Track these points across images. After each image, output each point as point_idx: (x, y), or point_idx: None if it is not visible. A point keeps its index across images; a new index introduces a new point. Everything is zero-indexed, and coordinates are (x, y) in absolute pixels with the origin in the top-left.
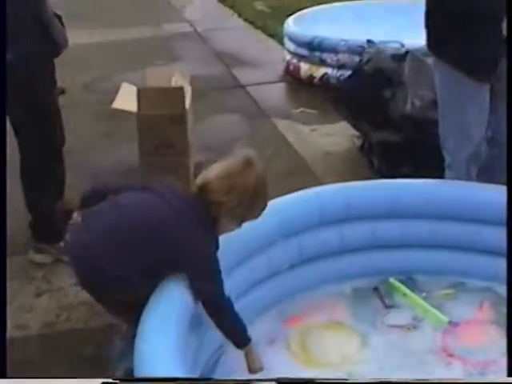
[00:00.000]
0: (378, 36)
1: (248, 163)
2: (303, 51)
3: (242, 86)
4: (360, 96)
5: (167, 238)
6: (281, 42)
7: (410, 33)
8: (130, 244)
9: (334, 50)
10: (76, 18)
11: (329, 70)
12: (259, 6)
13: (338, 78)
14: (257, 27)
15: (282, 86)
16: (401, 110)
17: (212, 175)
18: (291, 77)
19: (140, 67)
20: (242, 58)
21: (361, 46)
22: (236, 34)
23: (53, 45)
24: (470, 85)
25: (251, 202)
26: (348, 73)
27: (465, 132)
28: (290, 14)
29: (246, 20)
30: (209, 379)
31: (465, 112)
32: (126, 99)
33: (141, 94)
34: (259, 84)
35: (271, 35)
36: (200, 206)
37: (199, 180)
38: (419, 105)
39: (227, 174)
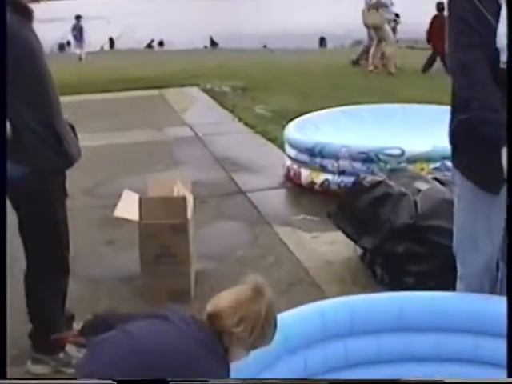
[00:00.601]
0: (378, 141)
1: (258, 292)
2: (304, 157)
3: (243, 193)
4: (360, 210)
5: (181, 368)
6: (281, 147)
7: (410, 138)
8: (143, 373)
9: (334, 156)
10: (80, 122)
11: (329, 177)
12: (259, 109)
13: (338, 185)
14: (257, 132)
15: (282, 192)
16: (403, 219)
17: (223, 304)
18: (292, 183)
19: (141, 172)
20: (242, 163)
21: (362, 153)
22: (236, 139)
23: (66, 157)
24: (482, 195)
25: (262, 331)
26: (349, 179)
27: (474, 243)
28: (291, 119)
29: (246, 124)
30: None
31: (475, 223)
32: (128, 207)
33: (143, 203)
34: (260, 190)
35: (271, 140)
36: (213, 335)
37: (209, 308)
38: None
39: (238, 303)
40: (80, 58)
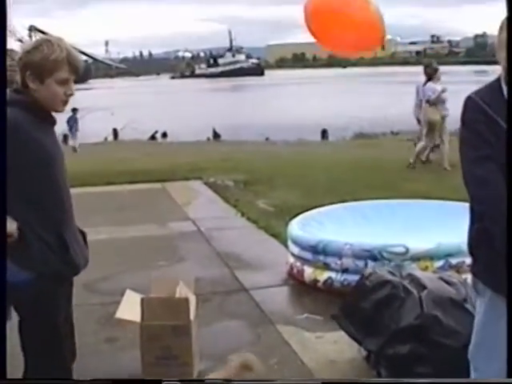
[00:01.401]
0: (382, 239)
1: (245, 367)
2: (307, 255)
3: (246, 290)
4: (364, 311)
5: None
6: (284, 243)
7: (414, 234)
8: None
9: (338, 253)
10: (81, 215)
11: (333, 274)
12: (262, 204)
13: (342, 283)
14: (260, 227)
15: (285, 289)
16: (408, 320)
17: None
18: (295, 280)
19: (144, 268)
20: (245, 259)
21: (365, 250)
22: (239, 234)
23: (71, 265)
24: (502, 301)
25: None
26: (352, 277)
27: (491, 350)
28: (294, 214)
29: (248, 219)
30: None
31: (494, 329)
32: (130, 308)
33: (145, 304)
34: (262, 288)
35: (274, 235)
36: None
37: None
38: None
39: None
40: (74, 150)
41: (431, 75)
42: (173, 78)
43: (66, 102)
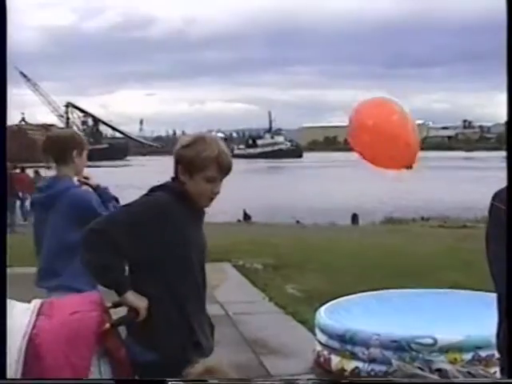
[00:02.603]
0: (410, 329)
1: (209, 372)
2: (335, 343)
3: (272, 377)
4: None
5: None
6: (312, 330)
7: (442, 325)
8: None
9: (365, 343)
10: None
11: (360, 364)
12: (291, 289)
13: (369, 373)
14: (288, 312)
15: (311, 377)
16: None
17: None
18: (321, 369)
19: None
20: (271, 345)
21: (393, 341)
22: (266, 319)
23: (196, 350)
24: None
25: None
26: (380, 367)
27: None
28: (322, 302)
29: (277, 304)
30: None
31: None
32: None
33: None
34: (289, 375)
35: (302, 322)
36: None
37: None
38: None
39: None
40: None
41: None
42: None
43: (212, 199)
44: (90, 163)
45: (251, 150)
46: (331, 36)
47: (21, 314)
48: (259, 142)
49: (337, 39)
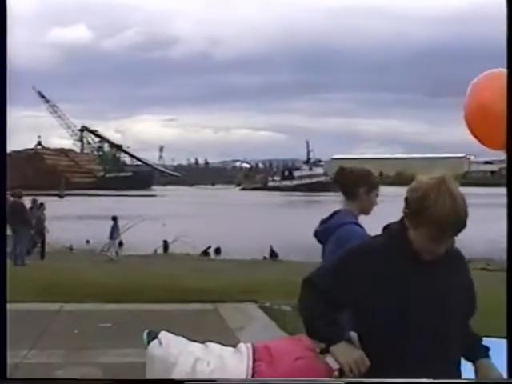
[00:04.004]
0: None
1: None
2: None
3: None
4: None
5: None
6: None
7: None
8: None
9: None
10: (122, 335)
11: None
12: None
13: None
14: None
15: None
16: None
17: None
18: None
19: None
20: None
21: None
22: None
23: None
24: None
25: None
26: None
27: None
28: None
29: None
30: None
31: None
32: None
33: None
34: None
35: None
36: None
37: None
38: None
39: None
40: (111, 259)
41: None
42: (243, 189)
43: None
44: (115, 192)
45: (287, 182)
46: (366, 62)
47: (229, 358)
48: (296, 173)
49: (372, 66)
